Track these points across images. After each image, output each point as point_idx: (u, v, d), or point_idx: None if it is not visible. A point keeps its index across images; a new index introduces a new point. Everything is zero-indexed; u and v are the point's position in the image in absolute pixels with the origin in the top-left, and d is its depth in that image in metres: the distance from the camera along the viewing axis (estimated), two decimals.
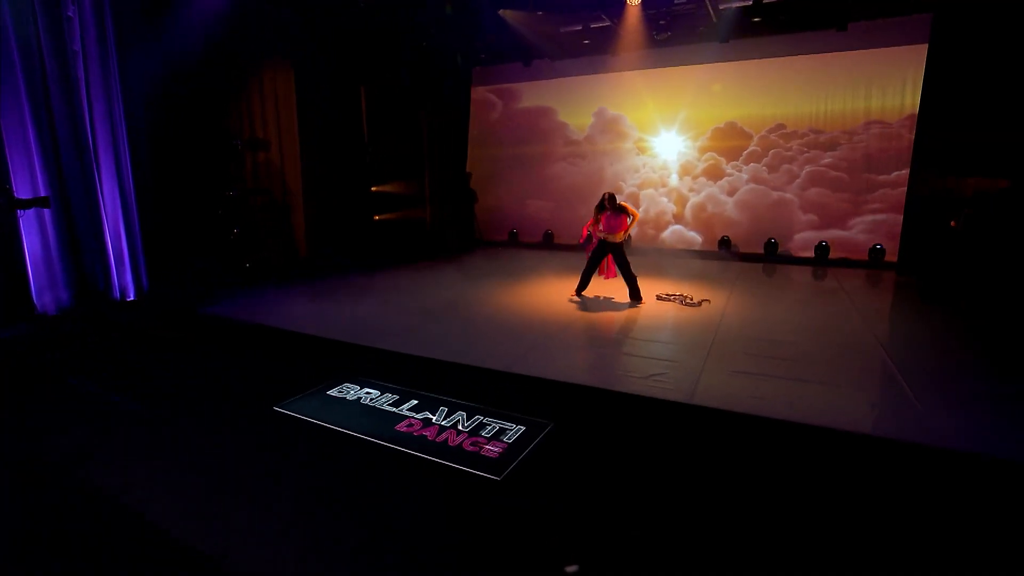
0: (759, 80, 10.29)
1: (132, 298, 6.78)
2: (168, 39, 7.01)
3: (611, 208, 6.82)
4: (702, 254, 10.99)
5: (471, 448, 3.30)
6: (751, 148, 10.69)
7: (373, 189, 10.34)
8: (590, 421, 3.77)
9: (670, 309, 6.72)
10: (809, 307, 6.84)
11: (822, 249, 10.00)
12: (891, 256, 9.36)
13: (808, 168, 10.16)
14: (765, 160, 10.51)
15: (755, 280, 8.80)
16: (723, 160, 10.91)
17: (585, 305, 6.94)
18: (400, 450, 3.31)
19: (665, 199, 11.58)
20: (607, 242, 6.94)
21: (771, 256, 10.38)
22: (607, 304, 6.99)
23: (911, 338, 5.53)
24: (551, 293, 7.67)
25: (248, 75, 8.56)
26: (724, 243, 10.84)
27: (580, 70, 11.74)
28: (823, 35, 9.44)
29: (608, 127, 11.87)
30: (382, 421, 3.70)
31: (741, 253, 10.76)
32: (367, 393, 4.16)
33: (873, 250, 9.56)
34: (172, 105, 7.05)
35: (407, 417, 3.74)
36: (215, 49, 7.61)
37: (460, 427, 3.57)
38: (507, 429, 3.54)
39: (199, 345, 5.53)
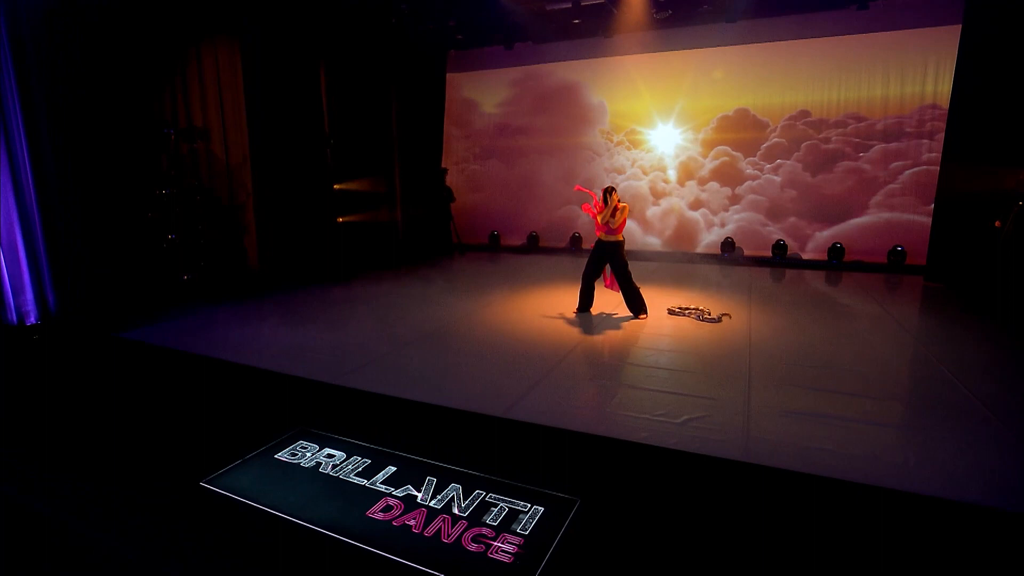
0: (770, 64, 9.69)
1: (34, 321, 5.72)
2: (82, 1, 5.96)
3: (606, 205, 6.08)
4: (703, 257, 10.36)
5: (475, 547, 2.47)
6: (773, 140, 9.96)
7: (336, 187, 9.39)
8: (627, 491, 2.98)
9: (686, 326, 6.01)
10: (845, 321, 6.21)
11: (836, 251, 9.47)
12: (913, 259, 8.88)
13: (813, 163, 9.63)
14: (797, 154, 9.77)
15: (771, 288, 8.19)
16: (740, 156, 10.20)
17: (586, 323, 6.17)
18: (375, 553, 2.45)
19: (663, 196, 10.93)
20: (605, 243, 6.19)
21: (781, 259, 9.82)
22: (611, 321, 6.24)
23: (978, 361, 4.92)
24: (544, 307, 6.88)
25: (183, 50, 7.53)
26: (728, 245, 10.25)
27: (568, 54, 11.01)
28: (842, 14, 8.89)
29: (599, 118, 11.17)
30: (349, 502, 2.83)
31: (747, 256, 10.18)
32: (328, 456, 3.28)
33: (893, 252, 9.06)
34: (85, 84, 6.00)
35: (383, 495, 2.88)
36: (142, 17, 6.59)
37: (456, 509, 2.74)
38: (520, 511, 2.72)
39: (104, 384, 4.54)
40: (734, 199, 10.33)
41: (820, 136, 9.60)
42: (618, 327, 6.01)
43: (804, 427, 3.61)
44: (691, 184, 10.67)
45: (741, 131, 10.11)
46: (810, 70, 9.43)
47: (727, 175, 10.36)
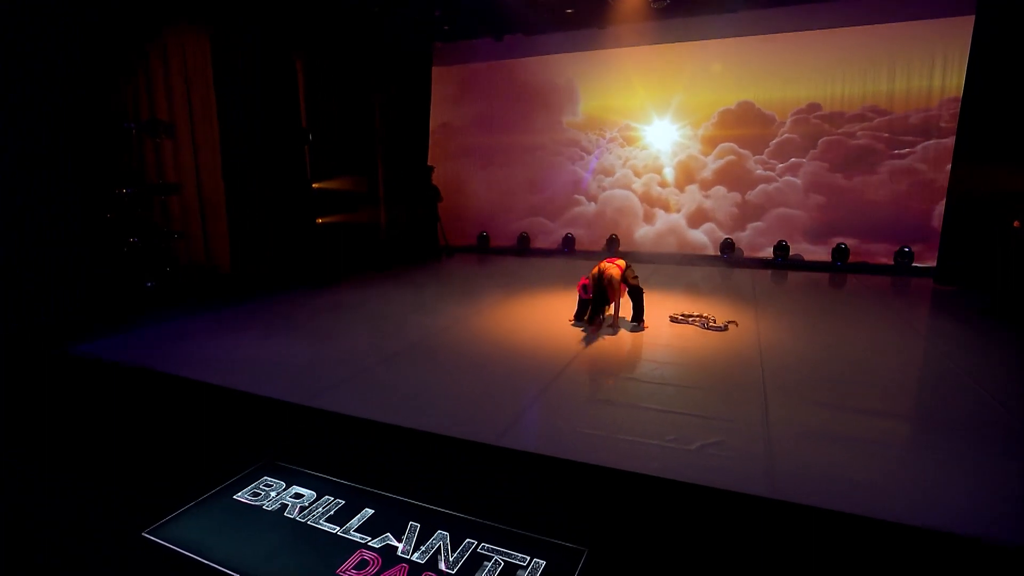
0: (773, 56, 9.40)
1: None
2: None
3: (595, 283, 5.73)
4: (700, 259, 10.07)
5: None
6: (784, 136, 9.57)
7: (315, 186, 8.96)
8: (641, 536, 2.63)
9: (691, 336, 5.69)
10: (859, 328, 5.92)
11: (840, 252, 9.22)
12: (920, 260, 8.66)
13: (811, 163, 9.38)
14: (814, 152, 9.36)
15: (776, 292, 7.91)
16: (748, 154, 9.81)
17: (583, 332, 5.82)
18: None
19: (658, 204, 10.63)
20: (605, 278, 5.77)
21: (783, 261, 9.55)
22: (609, 330, 5.90)
23: (1012, 375, 4.64)
24: (537, 314, 6.54)
25: (146, 40, 7.07)
26: (727, 246, 9.97)
27: (561, 47, 10.69)
28: (850, 4, 8.64)
29: (595, 113, 10.85)
30: (317, 555, 2.45)
31: (747, 258, 9.90)
32: (296, 496, 2.89)
33: (900, 253, 8.83)
34: (36, 72, 5.55)
35: (358, 546, 2.50)
36: (100, 3, 6.14)
37: (443, 564, 2.37)
38: (518, 565, 2.36)
39: (43, 408, 4.11)
40: (745, 208, 9.94)
41: (841, 131, 9.20)
42: (617, 336, 5.68)
43: (833, 453, 3.29)
44: (692, 189, 10.30)
45: (746, 126, 9.80)
46: (814, 62, 9.15)
47: (735, 177, 9.99)
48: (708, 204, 10.22)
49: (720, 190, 10.09)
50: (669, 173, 10.43)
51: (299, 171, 8.73)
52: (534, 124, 11.30)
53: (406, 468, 3.21)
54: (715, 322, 5.93)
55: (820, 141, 9.35)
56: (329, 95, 9.29)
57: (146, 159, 7.21)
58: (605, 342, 5.50)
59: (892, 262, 8.89)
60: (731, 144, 9.95)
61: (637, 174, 10.67)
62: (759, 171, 9.82)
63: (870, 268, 9.03)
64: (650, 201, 10.63)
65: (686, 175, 10.35)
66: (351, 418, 3.86)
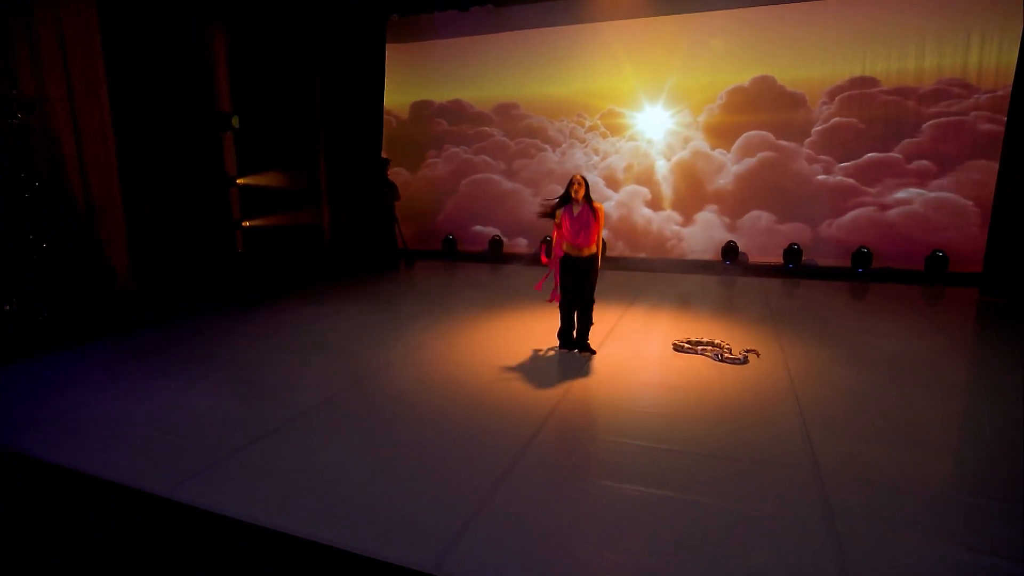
0: (782, 30, 8.41)
1: None
2: None
3: (575, 201, 4.70)
4: (699, 266, 9.06)
5: None
6: (833, 120, 8.25)
7: (240, 182, 7.75)
8: None
9: (703, 371, 4.63)
10: (909, 360, 4.92)
11: (862, 257, 8.29)
12: (958, 266, 7.77)
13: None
14: (913, 141, 7.84)
15: (795, 307, 6.93)
16: (792, 146, 8.45)
17: (565, 367, 4.73)
18: None
19: (646, 189, 9.62)
20: (573, 259, 4.79)
21: (795, 267, 8.58)
22: (597, 364, 4.81)
23: None
24: (506, 341, 5.43)
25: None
26: (730, 251, 8.98)
27: (536, 20, 9.62)
28: None
29: (575, 98, 9.79)
30: None
31: (753, 264, 8.93)
32: None
33: (932, 259, 7.91)
34: None
35: None
36: None
37: None
38: None
39: None
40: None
41: (954, 110, 7.70)
42: (609, 374, 4.59)
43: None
44: (710, 217, 9.22)
45: (772, 109, 8.59)
46: (856, 31, 8.08)
47: (773, 187, 8.90)
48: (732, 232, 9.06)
49: (757, 215, 8.88)
50: (662, 164, 9.40)
51: (219, 164, 7.51)
52: (507, 112, 10.24)
53: None
54: (731, 352, 4.88)
55: (926, 126, 7.93)
56: (259, 73, 8.09)
57: (8, 147, 5.92)
58: (592, 380, 4.41)
59: (923, 268, 7.98)
60: (760, 133, 8.70)
61: (615, 186, 9.62)
62: (818, 173, 8.46)
63: (897, 275, 8.10)
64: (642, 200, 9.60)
65: (691, 185, 9.23)
66: (222, 518, 2.70)
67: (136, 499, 2.93)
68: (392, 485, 3.00)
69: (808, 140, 8.53)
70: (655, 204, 9.52)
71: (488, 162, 10.46)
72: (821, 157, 8.49)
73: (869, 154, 8.24)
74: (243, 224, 7.75)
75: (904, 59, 7.88)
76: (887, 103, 8.06)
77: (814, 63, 8.32)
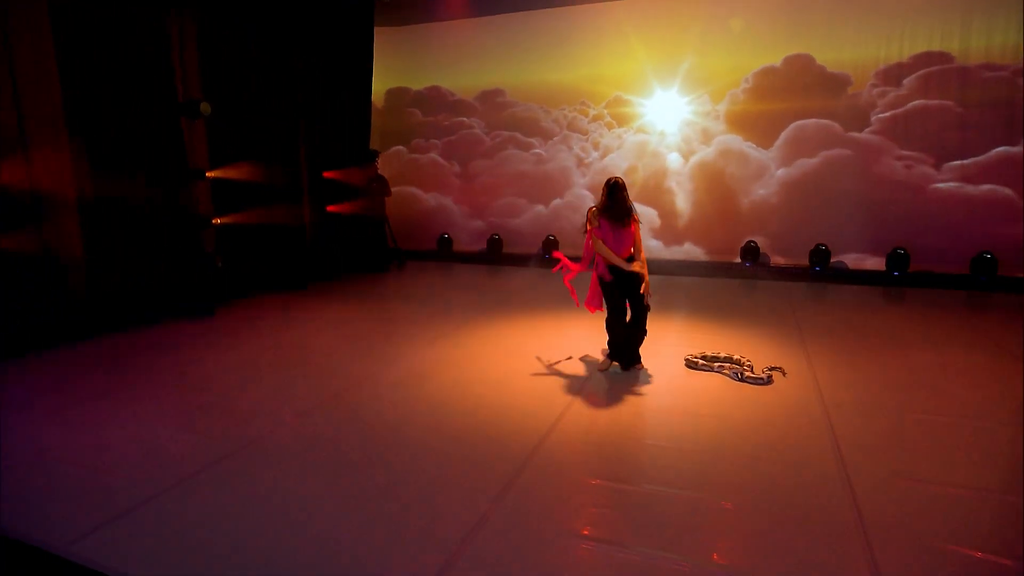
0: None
1: None
2: None
3: (615, 210, 4.22)
4: (714, 268, 8.45)
5: None
6: (914, 103, 6.92)
7: (210, 175, 7.25)
8: None
9: (719, 391, 4.05)
10: (964, 380, 4.30)
11: (897, 259, 7.63)
12: (1009, 270, 7.11)
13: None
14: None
15: (825, 317, 6.29)
16: (863, 134, 7.27)
17: (565, 384, 4.16)
18: None
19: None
20: (624, 275, 4.28)
21: (822, 270, 7.94)
22: (601, 379, 4.25)
23: None
24: (502, 352, 4.88)
25: None
26: (750, 252, 8.35)
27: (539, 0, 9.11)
28: None
29: (579, 84, 9.23)
30: None
31: (775, 267, 8.31)
32: None
33: (979, 261, 7.25)
34: None
35: None
36: None
37: None
38: None
39: None
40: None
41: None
42: (611, 396, 4.02)
43: None
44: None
45: (812, 94, 7.52)
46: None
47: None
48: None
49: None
50: (675, 158, 8.79)
51: (184, 155, 7.01)
52: (505, 100, 9.73)
53: None
54: (751, 370, 4.29)
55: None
56: (233, 58, 7.60)
57: None
58: (595, 399, 3.84)
59: (968, 271, 7.32)
60: (818, 121, 7.44)
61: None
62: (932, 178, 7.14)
63: (937, 279, 7.44)
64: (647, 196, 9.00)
65: (718, 199, 8.38)
66: None
67: (23, 554, 2.42)
68: (358, 530, 2.45)
69: (868, 129, 7.36)
70: (668, 233, 8.86)
71: (490, 154, 9.94)
72: (906, 153, 7.10)
73: (998, 148, 6.78)
74: (214, 221, 7.25)
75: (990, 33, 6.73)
76: (986, 81, 6.65)
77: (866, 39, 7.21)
